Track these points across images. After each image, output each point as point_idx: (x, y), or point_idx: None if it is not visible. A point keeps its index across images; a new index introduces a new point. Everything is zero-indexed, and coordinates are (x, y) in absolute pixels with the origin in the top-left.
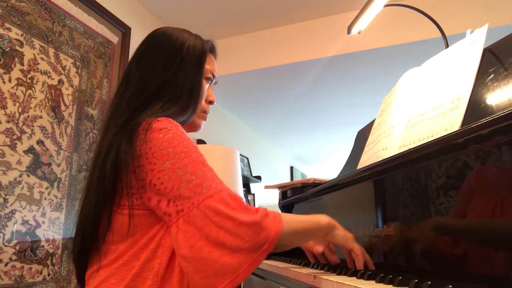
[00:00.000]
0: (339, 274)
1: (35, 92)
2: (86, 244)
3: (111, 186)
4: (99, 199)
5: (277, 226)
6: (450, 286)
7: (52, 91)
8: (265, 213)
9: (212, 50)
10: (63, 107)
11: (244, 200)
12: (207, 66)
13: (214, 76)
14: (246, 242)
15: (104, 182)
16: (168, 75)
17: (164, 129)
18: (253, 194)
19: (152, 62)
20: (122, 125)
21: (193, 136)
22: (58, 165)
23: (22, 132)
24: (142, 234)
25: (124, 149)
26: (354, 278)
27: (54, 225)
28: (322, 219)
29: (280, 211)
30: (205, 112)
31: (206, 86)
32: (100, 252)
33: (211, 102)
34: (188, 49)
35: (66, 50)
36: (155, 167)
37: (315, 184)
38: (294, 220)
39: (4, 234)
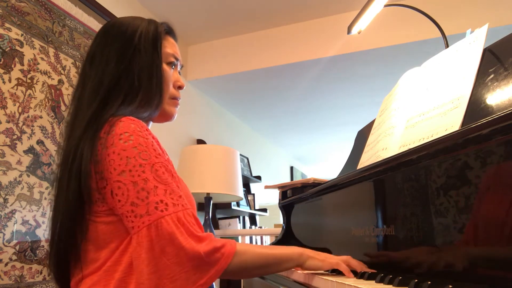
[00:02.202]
0: (339, 274)
1: (35, 92)
2: (62, 257)
3: (78, 196)
4: (68, 209)
5: (222, 263)
6: (450, 286)
7: (52, 91)
8: (214, 246)
9: (170, 32)
10: (63, 107)
11: (197, 221)
12: (167, 50)
13: (177, 59)
14: (184, 274)
15: (72, 192)
16: (122, 66)
17: (125, 133)
18: (253, 194)
19: (105, 57)
20: (85, 126)
21: (193, 136)
22: None
23: (22, 132)
24: (120, 240)
25: (86, 155)
26: (354, 278)
27: None
28: (291, 252)
29: (280, 211)
30: (175, 98)
31: (170, 71)
32: (80, 262)
33: (180, 87)
34: (141, 36)
35: (66, 50)
36: (111, 176)
37: (315, 184)
38: (252, 254)
39: (4, 234)
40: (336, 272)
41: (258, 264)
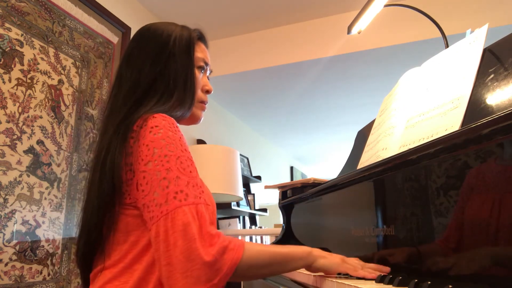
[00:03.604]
0: (339, 274)
1: (35, 92)
2: (91, 247)
3: (112, 187)
4: (101, 201)
5: (234, 259)
6: (450, 286)
7: (52, 91)
8: (224, 245)
9: (201, 38)
10: (63, 107)
11: (209, 222)
12: (198, 55)
13: (207, 64)
14: (196, 271)
15: (105, 184)
16: (158, 69)
17: (155, 127)
18: (253, 194)
19: (141, 59)
20: (119, 123)
21: (193, 136)
22: (58, 165)
23: (22, 132)
24: (143, 234)
25: (119, 148)
26: (354, 279)
27: (54, 225)
28: (301, 250)
29: (280, 211)
30: (203, 102)
31: (200, 75)
32: (104, 253)
33: (208, 92)
34: (175, 40)
35: (66, 50)
36: (139, 167)
37: (315, 184)
38: (260, 252)
39: (4, 234)
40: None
41: (265, 262)
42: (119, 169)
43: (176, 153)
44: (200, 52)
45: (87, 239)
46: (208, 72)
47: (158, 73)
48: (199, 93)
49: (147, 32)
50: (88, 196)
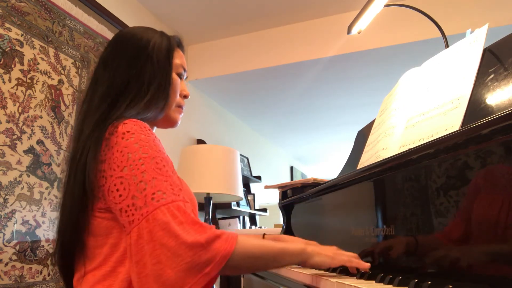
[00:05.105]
0: (339, 274)
1: (35, 92)
2: (67, 249)
3: (82, 190)
4: (74, 204)
5: (227, 249)
6: (450, 286)
7: (52, 91)
8: (215, 234)
9: (180, 45)
10: (63, 107)
11: (193, 215)
12: (177, 61)
13: (185, 70)
14: (186, 264)
15: (77, 188)
16: (134, 71)
17: (127, 132)
18: (253, 194)
19: (117, 62)
20: (94, 126)
21: (193, 136)
22: (58, 165)
23: (22, 132)
24: (121, 236)
25: (91, 154)
26: (354, 279)
27: (54, 225)
28: (294, 247)
29: (280, 211)
30: (181, 106)
31: (179, 81)
32: (84, 257)
33: (185, 97)
34: (154, 45)
35: (66, 50)
36: (114, 173)
37: (315, 184)
38: (254, 244)
39: (4, 234)
40: (331, 270)
41: (258, 255)
42: (92, 174)
43: (151, 154)
44: (179, 58)
45: (62, 243)
46: (184, 77)
47: (134, 75)
48: (178, 98)
49: (125, 36)
50: (63, 199)
